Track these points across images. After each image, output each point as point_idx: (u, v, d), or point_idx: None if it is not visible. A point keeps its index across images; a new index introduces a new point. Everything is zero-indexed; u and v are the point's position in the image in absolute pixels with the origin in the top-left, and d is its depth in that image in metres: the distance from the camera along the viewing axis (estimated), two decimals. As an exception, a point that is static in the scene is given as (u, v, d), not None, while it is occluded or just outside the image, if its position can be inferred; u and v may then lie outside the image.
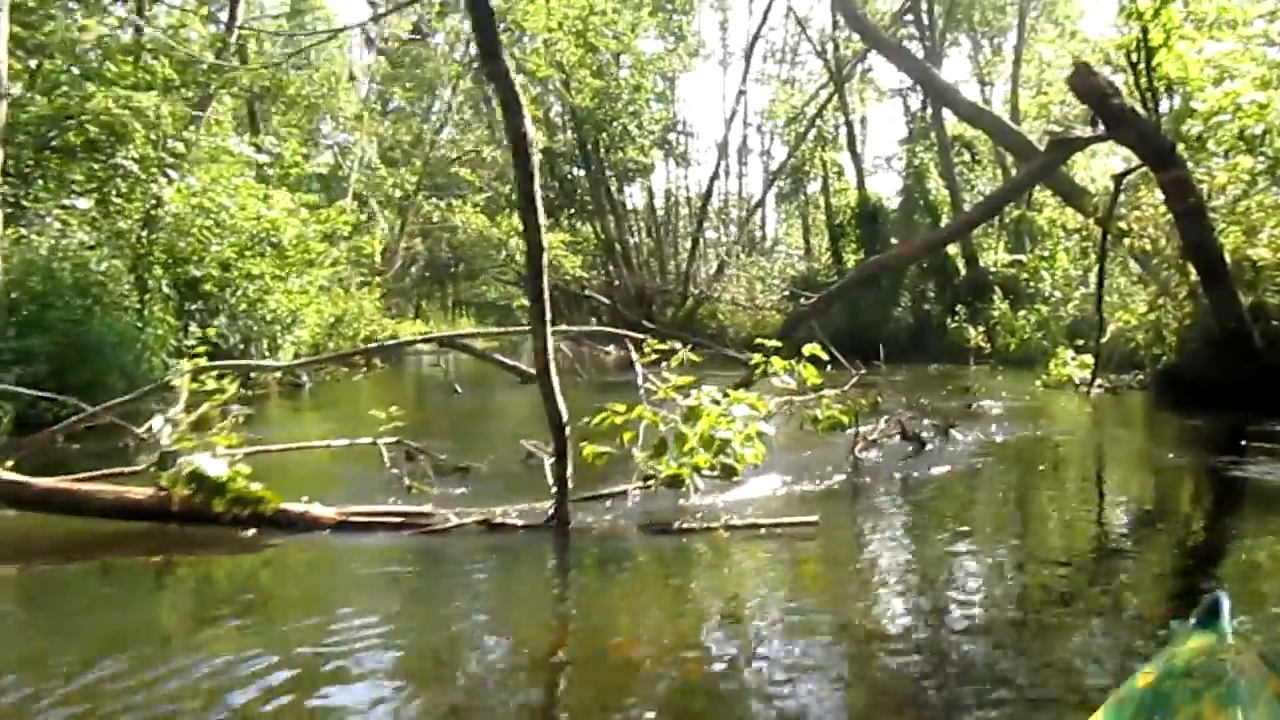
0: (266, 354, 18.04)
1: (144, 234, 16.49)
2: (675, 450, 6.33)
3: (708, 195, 35.79)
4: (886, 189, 33.69)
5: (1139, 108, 12.18)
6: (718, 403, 6.55)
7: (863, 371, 20.31)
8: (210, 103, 18.87)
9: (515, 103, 5.63)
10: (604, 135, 34.72)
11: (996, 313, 24.62)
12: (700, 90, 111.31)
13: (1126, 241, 14.01)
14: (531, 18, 29.47)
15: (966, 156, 32.62)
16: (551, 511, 6.06)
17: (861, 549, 6.10)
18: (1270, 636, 3.97)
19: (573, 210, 38.56)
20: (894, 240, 28.93)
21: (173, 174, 16.56)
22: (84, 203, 15.08)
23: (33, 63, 15.70)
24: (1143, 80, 12.74)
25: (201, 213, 17.05)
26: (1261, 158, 12.54)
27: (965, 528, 6.75)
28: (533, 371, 18.45)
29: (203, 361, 9.92)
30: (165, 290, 15.56)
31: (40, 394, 10.09)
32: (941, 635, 4.35)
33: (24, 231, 14.15)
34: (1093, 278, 25.09)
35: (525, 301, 39.28)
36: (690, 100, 74.78)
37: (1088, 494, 8.32)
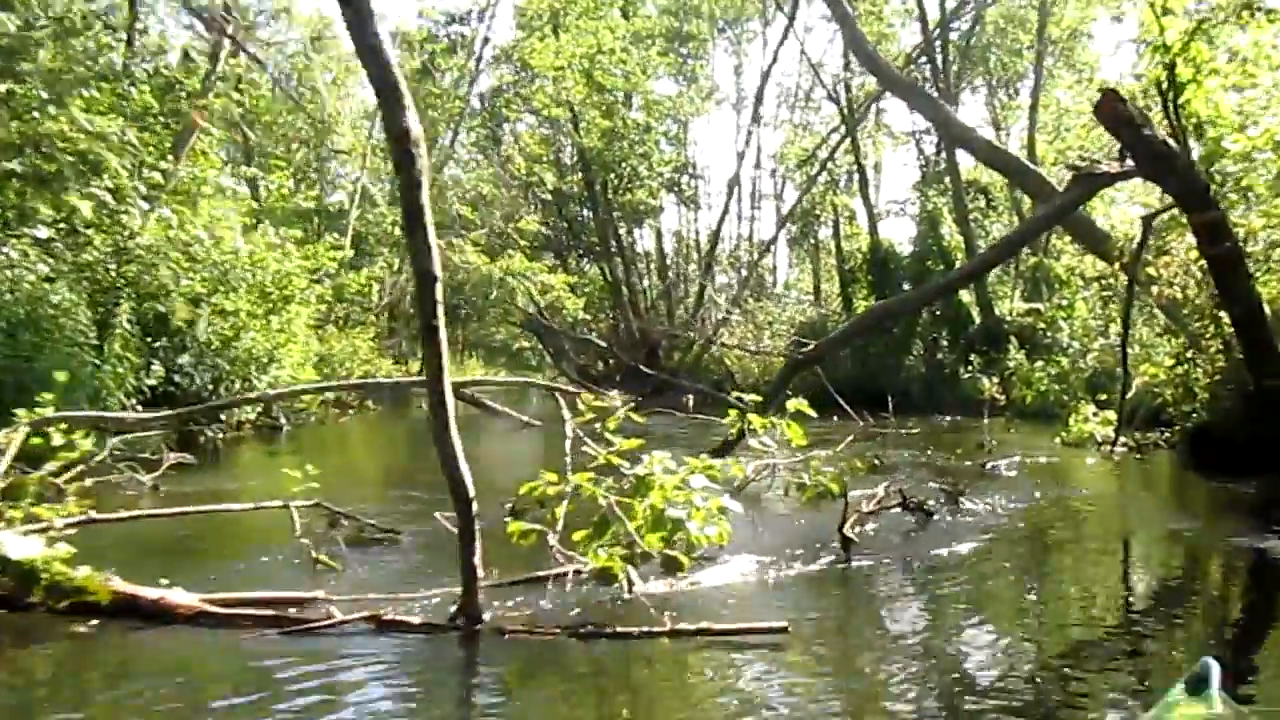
0: (240, 394, 16.91)
1: (112, 267, 15.45)
2: (613, 533, 5.10)
3: (715, 238, 34.78)
4: (899, 235, 32.64)
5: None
6: (672, 472, 5.33)
7: (866, 423, 19.12)
8: (193, 133, 17.91)
9: (394, 90, 4.48)
10: (612, 176, 33.81)
11: (1012, 364, 23.33)
12: (714, 134, 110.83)
13: (1154, 289, 12.75)
14: (539, 55, 28.63)
15: (981, 202, 31.46)
16: (455, 608, 4.83)
17: (845, 661, 4.84)
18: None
19: (580, 252, 37.60)
20: (905, 287, 27.74)
21: (144, 204, 15.56)
22: (43, 232, 14.03)
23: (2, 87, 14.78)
24: (1170, 119, 11.57)
25: (173, 245, 16.00)
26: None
27: (971, 629, 5.49)
28: (524, 418, 17.34)
29: (48, 412, 8.61)
30: (127, 326, 14.45)
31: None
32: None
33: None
34: (1114, 329, 23.93)
35: (529, 344, 38.05)
36: (704, 144, 74.19)
37: (1111, 583, 6.92)
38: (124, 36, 18.78)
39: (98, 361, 13.98)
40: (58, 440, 8.15)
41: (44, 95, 14.57)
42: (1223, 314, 12.12)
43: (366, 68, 4.60)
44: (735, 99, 41.57)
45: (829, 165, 30.85)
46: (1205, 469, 12.64)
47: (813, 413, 7.45)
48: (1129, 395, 13.53)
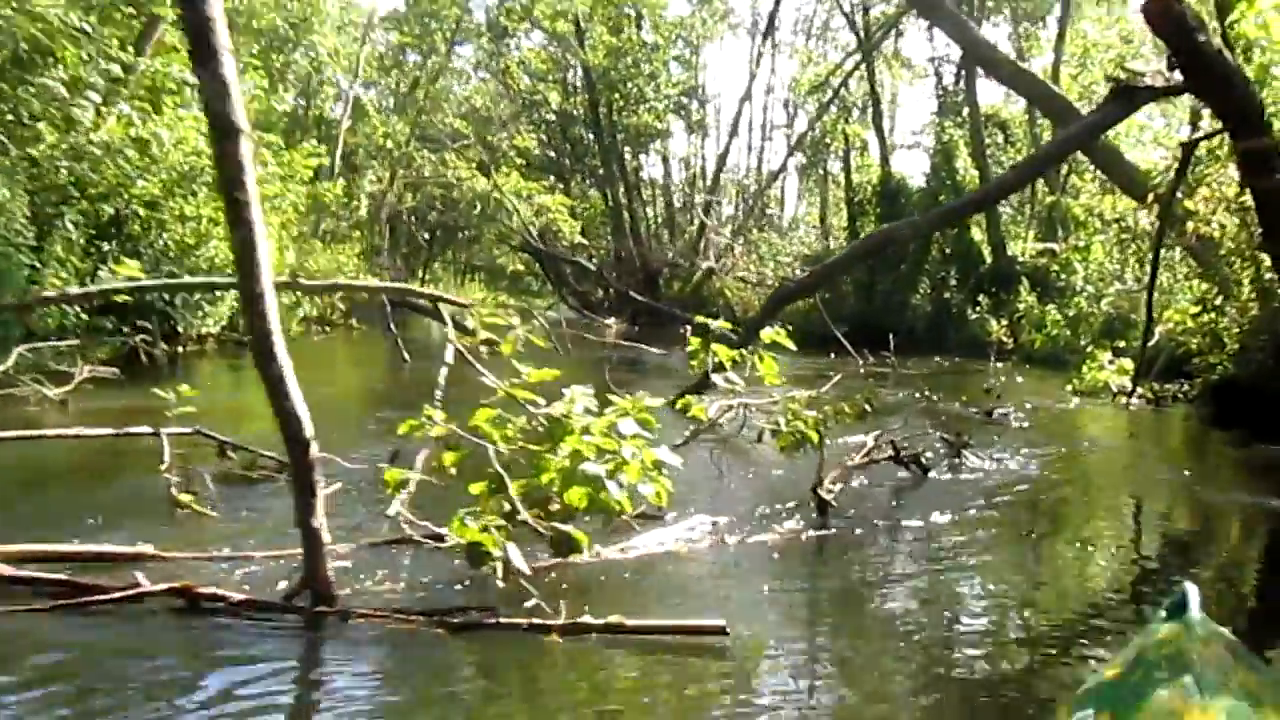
0: (201, 307, 15.71)
1: (63, 165, 14.15)
2: (498, 498, 3.90)
3: (721, 163, 33.20)
4: (912, 170, 30.98)
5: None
6: (595, 413, 4.11)
7: (866, 362, 17.88)
8: (159, 25, 16.48)
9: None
10: (617, 96, 32.14)
11: (1022, 306, 21.99)
12: (728, 61, 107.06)
13: (1188, 226, 11.40)
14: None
15: (999, 137, 29.82)
16: (291, 584, 3.66)
17: (799, 669, 3.66)
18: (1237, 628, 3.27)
19: (583, 175, 36.07)
20: (916, 221, 26.30)
21: (94, 97, 14.22)
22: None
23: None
24: (1215, 42, 10.15)
25: (130, 144, 14.68)
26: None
27: (959, 619, 4.35)
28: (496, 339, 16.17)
29: None
30: (70, 228, 13.21)
31: None
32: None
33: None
34: (1131, 272, 22.60)
35: (530, 269, 36.73)
36: (718, 71, 71.66)
37: (1122, 559, 5.60)
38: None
39: (36, 264, 12.79)
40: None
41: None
42: (1263, 256, 10.82)
43: None
44: (750, 23, 39.58)
45: (842, 93, 29.15)
46: (1229, 425, 11.47)
47: (791, 345, 6.18)
48: (1151, 343, 12.23)
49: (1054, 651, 3.86)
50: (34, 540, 4.23)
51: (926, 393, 13.85)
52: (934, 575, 4.94)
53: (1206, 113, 13.02)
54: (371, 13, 26.82)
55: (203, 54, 3.56)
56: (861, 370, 17.75)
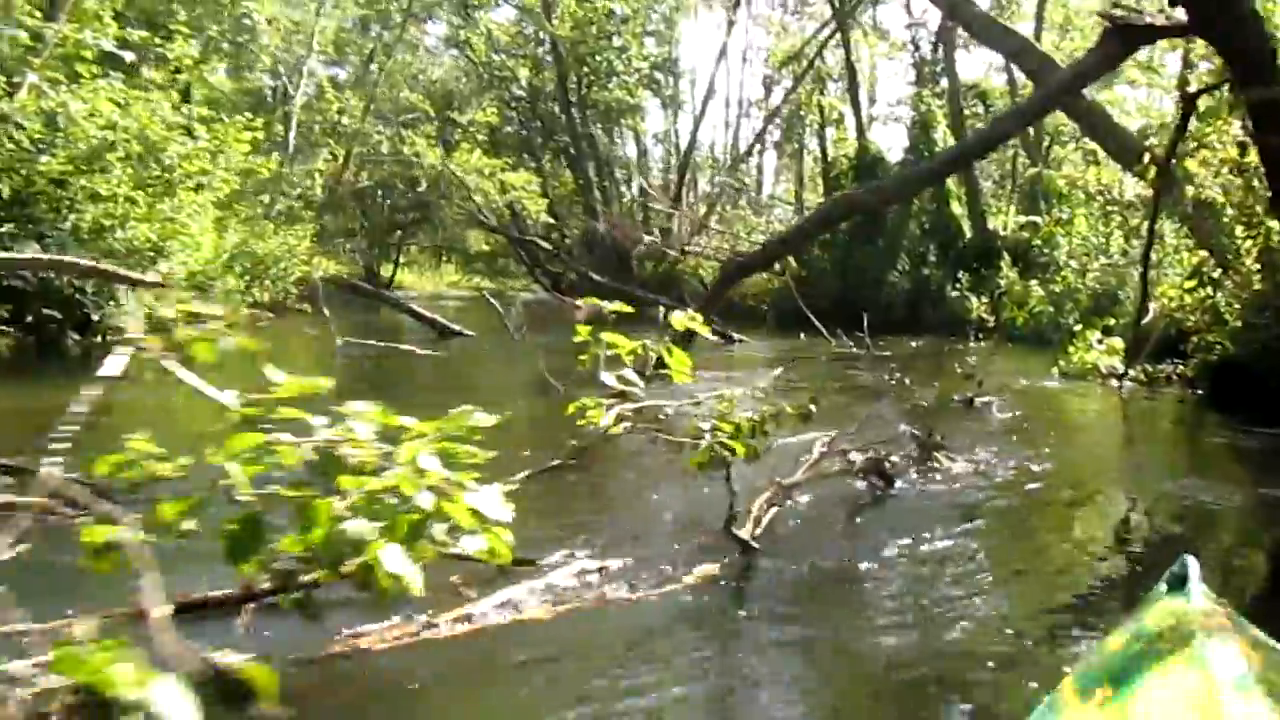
0: (119, 293, 14.33)
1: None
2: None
3: (692, 139, 31.84)
4: (892, 143, 29.59)
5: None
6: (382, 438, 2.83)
7: (841, 342, 16.65)
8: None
9: None
10: (585, 70, 30.71)
11: (1004, 282, 20.75)
12: (707, 37, 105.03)
13: (1188, 190, 10.15)
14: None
15: (980, 108, 28.53)
16: None
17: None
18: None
19: (555, 154, 34.63)
20: (895, 198, 24.98)
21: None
22: None
23: None
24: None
25: (36, 116, 13.32)
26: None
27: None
28: (455, 327, 14.88)
29: None
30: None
31: None
32: None
33: None
34: (1116, 245, 21.40)
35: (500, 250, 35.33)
36: (695, 47, 70.01)
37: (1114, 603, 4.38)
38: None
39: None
40: None
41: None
42: (1270, 222, 9.59)
43: None
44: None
45: (817, 65, 27.78)
46: (1229, 409, 10.31)
47: (708, 332, 4.86)
48: (1145, 320, 11.00)
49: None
50: None
51: (900, 377, 12.62)
52: (889, 629, 3.68)
53: (1199, 71, 11.81)
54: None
55: None
56: (835, 350, 16.59)
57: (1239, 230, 10.52)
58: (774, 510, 4.44)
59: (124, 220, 14.23)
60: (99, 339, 14.20)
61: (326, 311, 14.03)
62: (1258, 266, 10.49)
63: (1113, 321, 13.48)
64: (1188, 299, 10.91)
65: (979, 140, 10.74)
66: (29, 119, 13.25)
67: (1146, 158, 9.78)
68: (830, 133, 28.54)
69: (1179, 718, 1.78)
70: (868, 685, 3.27)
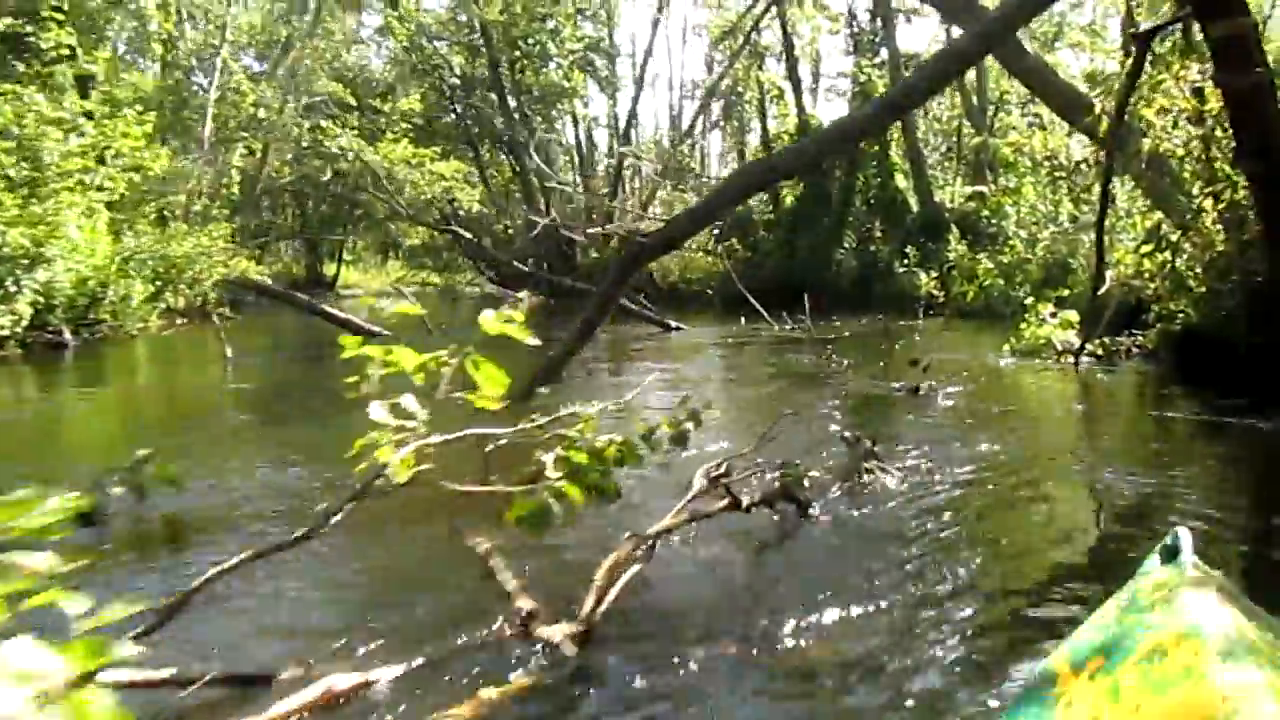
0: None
1: None
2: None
3: (630, 119, 30.59)
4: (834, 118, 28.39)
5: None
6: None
7: (784, 326, 15.56)
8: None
9: None
10: (518, 54, 29.37)
11: (952, 256, 19.82)
12: (646, 18, 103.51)
13: (1143, 145, 9.10)
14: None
15: (922, 79, 27.56)
16: None
17: None
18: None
19: (492, 142, 33.20)
20: (838, 174, 23.92)
21: None
22: None
23: None
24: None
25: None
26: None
27: None
28: (371, 328, 13.59)
29: None
30: None
31: None
32: None
33: None
34: (1064, 214, 20.52)
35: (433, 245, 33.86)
36: (636, 29, 68.55)
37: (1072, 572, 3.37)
38: None
39: None
40: None
41: None
42: (1234, 176, 8.59)
43: None
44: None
45: (754, 39, 26.60)
46: (1193, 382, 9.40)
47: (527, 337, 3.66)
48: (1101, 290, 9.98)
49: None
50: None
51: (842, 361, 11.55)
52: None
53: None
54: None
55: None
56: (778, 334, 15.54)
57: (1197, 187, 9.53)
58: (633, 571, 3.25)
59: (-8, 226, 12.84)
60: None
61: (217, 321, 12.71)
62: (1219, 226, 9.52)
63: (1066, 293, 12.47)
64: (1146, 264, 9.90)
65: (912, 85, 9.48)
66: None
67: (1097, 108, 8.72)
68: (772, 109, 27.45)
69: (1171, 687, 1.72)
70: None
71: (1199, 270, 9.75)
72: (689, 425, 3.66)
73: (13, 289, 12.92)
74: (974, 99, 25.28)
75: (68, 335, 14.11)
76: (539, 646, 2.86)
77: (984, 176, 22.98)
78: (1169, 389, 9.51)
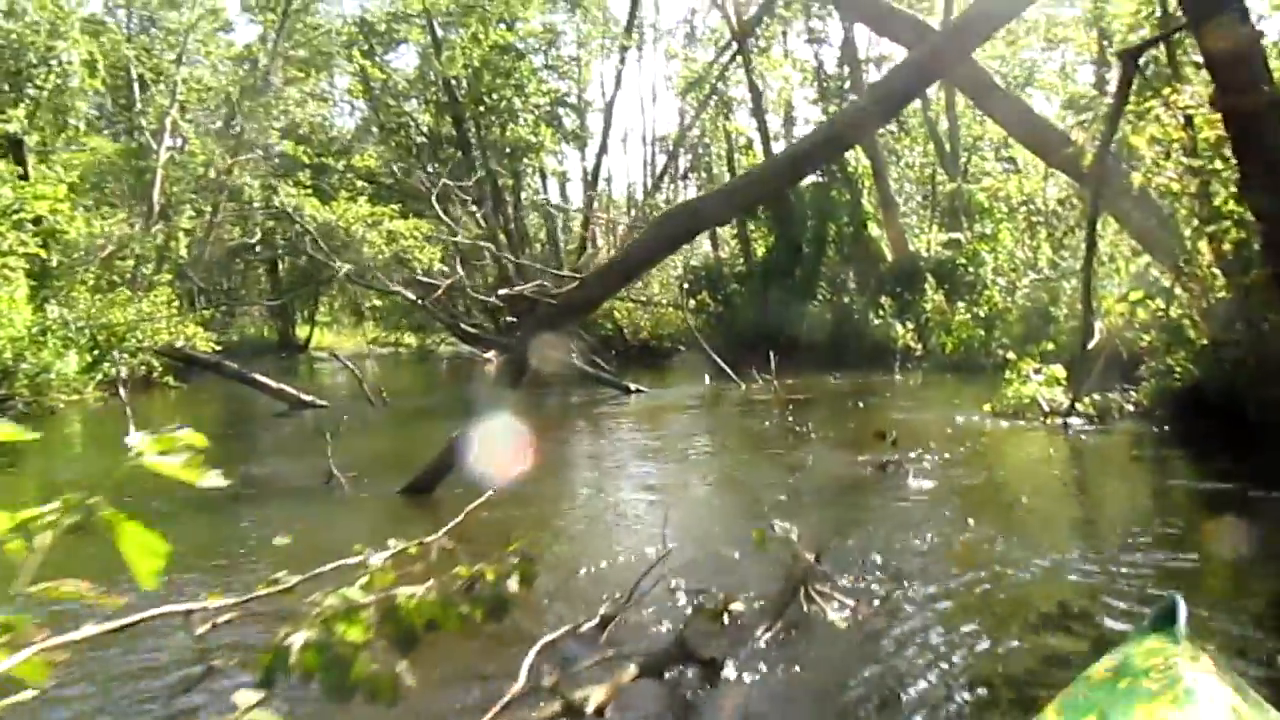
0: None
1: None
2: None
3: (595, 175, 29.61)
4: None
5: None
6: None
7: (753, 385, 14.37)
8: None
9: None
10: (481, 109, 28.47)
11: (929, 306, 18.72)
12: (624, 76, 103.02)
13: (1134, 179, 7.97)
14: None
15: (894, 127, 26.65)
16: None
17: None
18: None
19: (462, 199, 32.15)
20: (810, 222, 22.90)
21: None
22: None
23: None
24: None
25: None
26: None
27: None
28: (306, 398, 12.35)
29: None
30: None
31: None
32: None
33: None
34: (1043, 260, 19.48)
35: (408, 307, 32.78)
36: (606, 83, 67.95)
37: None
38: None
39: None
40: None
41: None
42: (1236, 213, 7.48)
43: None
44: (639, 39, 36.10)
45: (720, 89, 25.73)
46: (1196, 445, 8.29)
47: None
48: (1091, 343, 8.82)
49: None
50: None
51: (802, 436, 10.33)
52: None
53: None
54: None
55: None
56: (746, 395, 14.35)
57: (1191, 227, 8.42)
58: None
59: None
60: None
61: (124, 396, 11.41)
62: (1215, 270, 8.41)
63: (1051, 346, 11.30)
64: (1140, 314, 8.75)
65: (846, 121, 8.16)
66: None
67: (1079, 139, 7.60)
68: (741, 159, 26.50)
69: None
70: None
71: (1197, 319, 8.63)
72: (512, 583, 2.43)
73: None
74: (946, 145, 24.38)
75: (-14, 409, 12.82)
76: None
77: (959, 223, 21.95)
78: (1167, 452, 8.33)
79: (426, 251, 23.08)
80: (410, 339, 38.18)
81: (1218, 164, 7.14)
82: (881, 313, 19.88)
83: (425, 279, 28.59)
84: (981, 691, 3.17)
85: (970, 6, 6.47)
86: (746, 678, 3.24)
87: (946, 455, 7.96)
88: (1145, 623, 2.53)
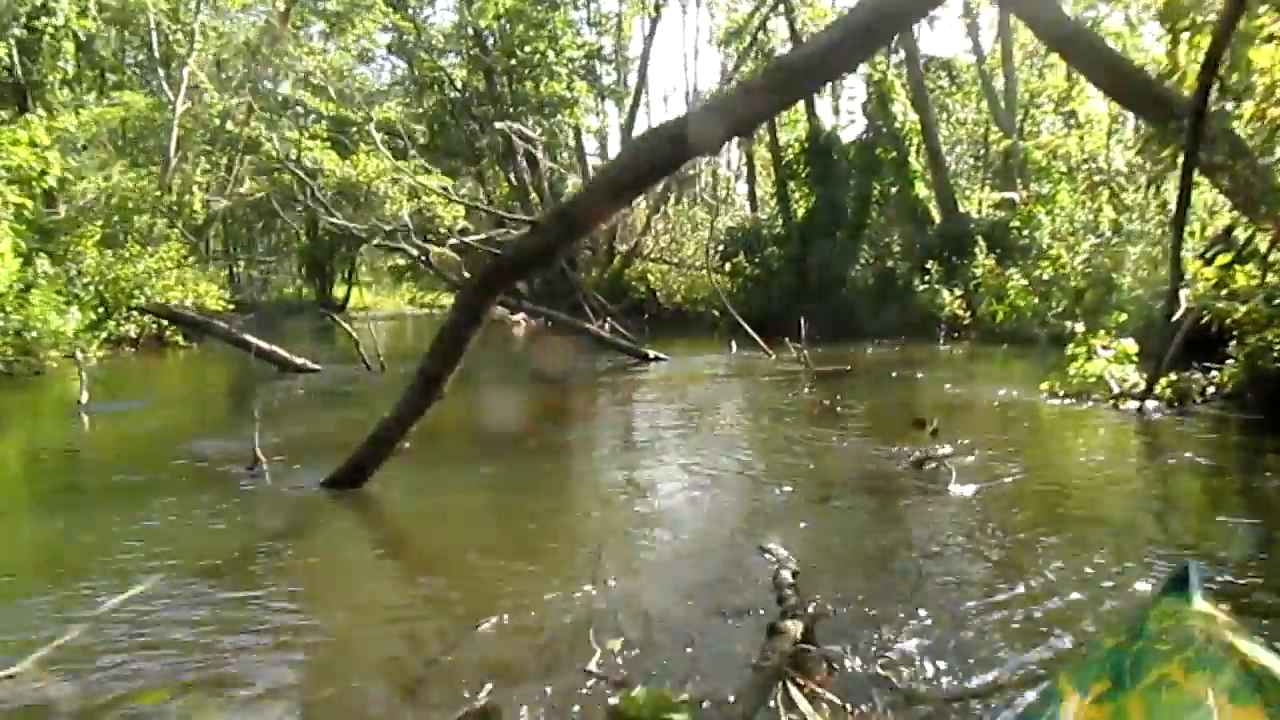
0: None
1: None
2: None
3: (627, 132, 28.04)
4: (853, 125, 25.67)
5: None
6: None
7: (782, 355, 12.98)
8: None
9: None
10: (514, 63, 27.08)
11: (979, 271, 17.08)
12: (668, 31, 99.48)
13: (1245, 109, 6.44)
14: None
15: (945, 81, 24.84)
16: None
17: None
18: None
19: (493, 156, 30.88)
20: (853, 181, 21.25)
21: None
22: None
23: None
24: None
25: None
26: None
27: None
28: (298, 361, 11.21)
29: None
30: None
31: None
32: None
33: None
34: (1104, 222, 17.75)
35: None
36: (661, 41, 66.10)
37: None
38: None
39: None
40: None
41: None
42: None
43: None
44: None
45: (761, 39, 24.01)
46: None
47: None
48: (1176, 314, 7.33)
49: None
50: None
51: (836, 402, 8.95)
52: None
53: None
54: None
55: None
56: (774, 366, 12.97)
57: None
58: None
59: None
60: None
61: (80, 359, 10.31)
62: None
63: (1123, 317, 9.73)
64: (1239, 279, 7.22)
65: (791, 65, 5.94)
66: None
67: (1177, 74, 6.06)
68: (784, 115, 24.78)
69: (1176, 719, 1.70)
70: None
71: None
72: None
73: None
74: (1001, 101, 22.53)
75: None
76: None
77: (1014, 183, 20.19)
78: (1265, 443, 6.83)
79: (450, 209, 21.74)
80: (447, 299, 37.18)
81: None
82: (927, 278, 18.28)
83: (445, 237, 27.68)
84: None
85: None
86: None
87: (998, 448, 6.54)
88: (1160, 588, 2.46)
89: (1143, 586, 3.59)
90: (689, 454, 6.91)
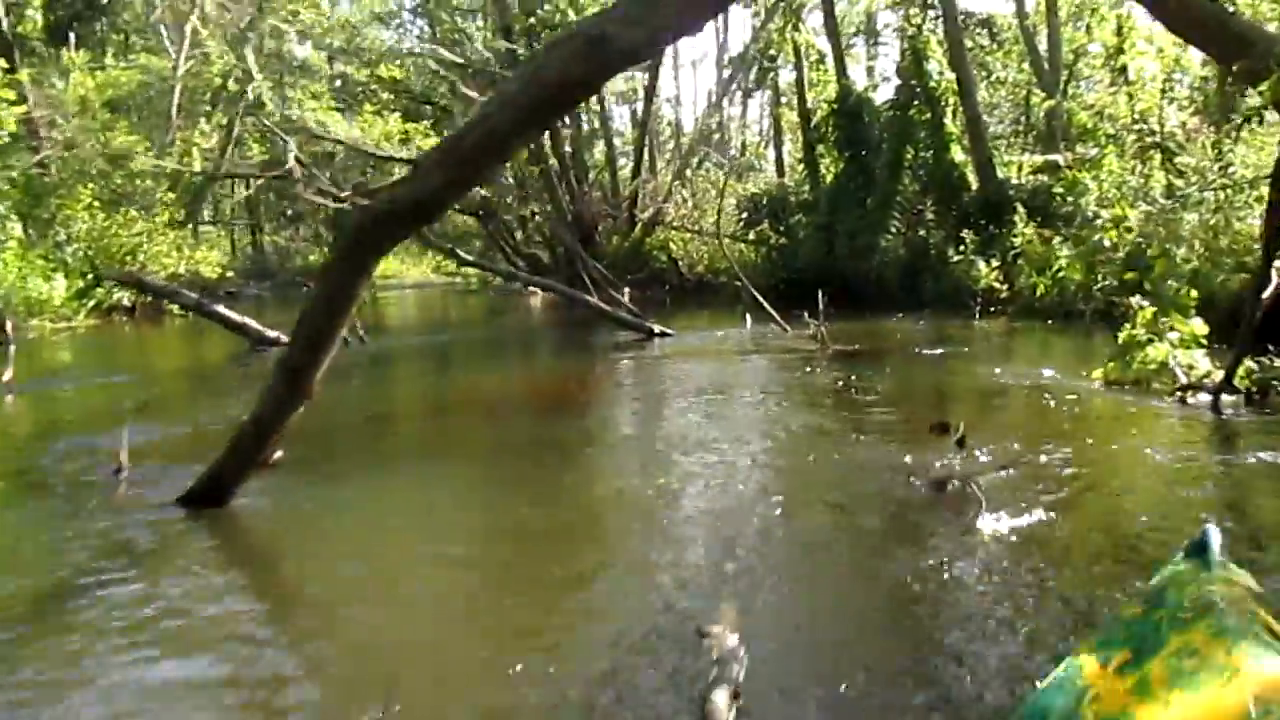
0: None
1: None
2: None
3: (649, 95, 26.43)
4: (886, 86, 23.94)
5: None
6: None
7: (797, 329, 11.61)
8: None
9: None
10: (534, 23, 25.67)
11: (1019, 241, 15.47)
12: None
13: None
14: None
15: (985, 39, 23.07)
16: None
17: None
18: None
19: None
20: (885, 145, 19.62)
21: None
22: None
23: None
24: None
25: None
26: None
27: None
28: (271, 334, 10.06)
29: None
30: None
31: None
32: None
33: None
34: (1156, 189, 16.08)
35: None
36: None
37: None
38: None
39: None
40: None
41: None
42: None
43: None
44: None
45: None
46: None
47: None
48: (1267, 291, 5.86)
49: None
50: None
51: (852, 385, 7.57)
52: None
53: None
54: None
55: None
56: (789, 343, 11.61)
57: None
58: None
59: None
60: None
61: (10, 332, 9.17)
62: None
63: (1194, 294, 8.17)
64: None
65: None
66: None
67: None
68: (812, 74, 23.13)
69: (1203, 685, 1.63)
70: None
71: None
72: None
73: None
74: (1045, 60, 20.75)
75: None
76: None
77: (1057, 147, 18.48)
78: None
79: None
80: (471, 269, 36.11)
81: None
82: (962, 248, 16.70)
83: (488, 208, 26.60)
84: None
85: None
86: None
87: (1041, 459, 5.13)
88: (1180, 555, 2.29)
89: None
90: (664, 454, 5.57)
